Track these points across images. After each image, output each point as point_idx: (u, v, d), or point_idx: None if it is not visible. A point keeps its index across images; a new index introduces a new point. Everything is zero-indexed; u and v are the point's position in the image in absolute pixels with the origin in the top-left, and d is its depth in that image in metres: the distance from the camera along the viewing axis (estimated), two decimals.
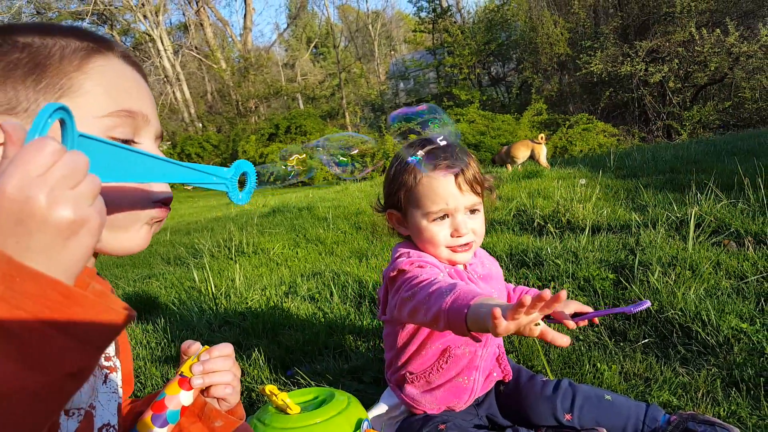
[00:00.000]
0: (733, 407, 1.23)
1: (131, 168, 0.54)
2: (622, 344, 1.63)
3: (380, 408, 1.26)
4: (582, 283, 2.07)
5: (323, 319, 2.19)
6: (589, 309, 1.21)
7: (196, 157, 17.66)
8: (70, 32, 0.65)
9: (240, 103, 21.82)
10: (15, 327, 0.41)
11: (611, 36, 13.79)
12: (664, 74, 12.70)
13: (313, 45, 32.36)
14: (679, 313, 1.69)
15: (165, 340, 2.20)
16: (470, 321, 0.81)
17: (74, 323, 0.44)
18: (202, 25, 23.80)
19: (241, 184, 0.67)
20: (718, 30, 11.97)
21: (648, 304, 1.12)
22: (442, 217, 1.13)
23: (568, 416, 1.15)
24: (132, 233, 0.67)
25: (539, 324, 0.76)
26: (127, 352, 0.80)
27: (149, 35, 21.98)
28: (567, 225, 3.18)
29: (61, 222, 0.44)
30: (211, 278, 2.86)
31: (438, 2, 19.61)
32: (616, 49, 13.35)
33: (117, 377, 0.73)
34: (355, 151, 1.04)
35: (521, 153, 7.16)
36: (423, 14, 20.15)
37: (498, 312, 0.70)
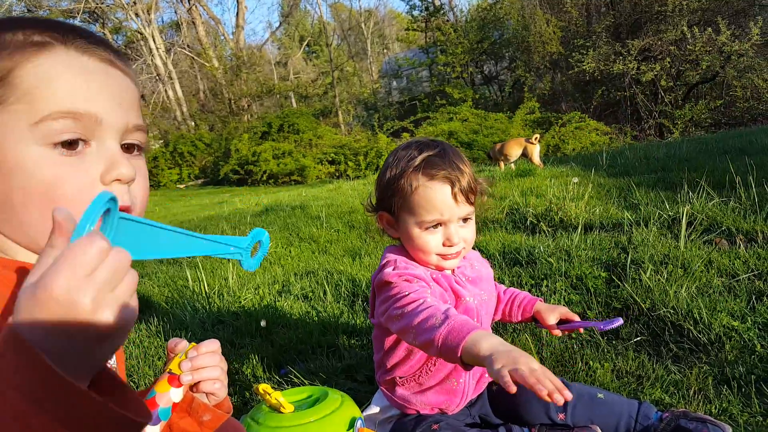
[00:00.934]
0: (724, 405, 1.24)
1: (160, 244, 0.55)
2: (614, 342, 1.64)
3: (373, 409, 1.26)
4: (575, 281, 2.08)
5: (316, 318, 2.18)
6: (575, 316, 1.24)
7: (188, 156, 17.55)
8: (20, 25, 0.60)
9: (232, 101, 21.69)
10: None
11: (603, 35, 13.86)
12: (656, 73, 12.78)
13: (305, 43, 32.25)
14: (671, 311, 1.70)
15: (158, 339, 2.19)
16: (466, 358, 0.86)
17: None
18: (194, 23, 23.63)
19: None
20: (709, 29, 12.07)
21: (620, 322, 1.14)
22: (435, 226, 1.13)
23: (561, 416, 1.16)
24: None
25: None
26: (121, 353, 0.79)
27: (141, 33, 21.80)
28: (560, 223, 3.19)
29: (101, 327, 0.43)
30: (204, 277, 2.85)
31: (431, 1, 19.61)
32: (608, 48, 13.42)
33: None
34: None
35: (514, 151, 7.18)
36: (416, 12, 20.15)
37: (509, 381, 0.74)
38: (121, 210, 0.66)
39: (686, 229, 2.42)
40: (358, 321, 2.08)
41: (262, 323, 1.98)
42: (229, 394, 1.63)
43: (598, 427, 1.09)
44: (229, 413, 0.84)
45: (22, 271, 0.60)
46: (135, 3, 21.04)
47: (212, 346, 0.82)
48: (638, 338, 1.63)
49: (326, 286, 2.53)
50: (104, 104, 0.62)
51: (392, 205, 1.16)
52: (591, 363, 1.49)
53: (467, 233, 1.16)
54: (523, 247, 2.58)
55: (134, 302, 0.47)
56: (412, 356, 1.18)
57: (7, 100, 0.57)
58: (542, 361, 1.54)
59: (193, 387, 0.81)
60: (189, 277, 2.95)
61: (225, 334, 2.14)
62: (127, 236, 0.50)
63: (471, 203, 1.13)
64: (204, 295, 2.70)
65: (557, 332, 1.23)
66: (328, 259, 3.21)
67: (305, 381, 1.63)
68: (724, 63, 12.33)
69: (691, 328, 1.59)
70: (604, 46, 13.51)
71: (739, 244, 2.27)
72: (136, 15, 21.26)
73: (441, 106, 16.11)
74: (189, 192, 14.57)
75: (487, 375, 1.26)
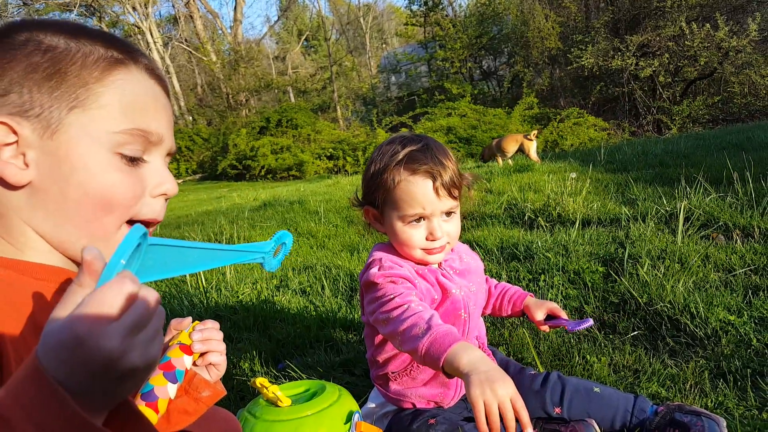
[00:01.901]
0: (720, 398, 1.24)
1: (187, 260, 0.57)
2: (611, 337, 1.65)
3: (370, 405, 1.27)
4: (572, 276, 2.08)
5: (314, 313, 2.18)
6: (561, 312, 1.24)
7: (186, 150, 17.49)
8: (98, 38, 0.65)
9: (230, 96, 21.61)
10: None
11: (602, 30, 13.83)
12: (654, 69, 12.77)
13: (304, 38, 32.12)
14: (668, 305, 1.70)
15: None
16: (447, 369, 0.90)
17: None
18: (191, 17, 23.49)
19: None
20: (708, 25, 12.05)
21: (590, 323, 1.15)
22: (418, 220, 1.14)
23: (557, 409, 1.16)
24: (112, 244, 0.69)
25: None
26: None
27: (138, 27, 21.66)
28: (557, 218, 3.19)
29: (127, 369, 0.44)
30: (201, 272, 2.84)
31: None
32: (606, 44, 13.39)
33: None
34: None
35: (511, 147, 7.22)
36: (414, 7, 20.05)
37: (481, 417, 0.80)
38: (153, 223, 0.70)
39: (683, 225, 2.42)
40: (356, 316, 2.08)
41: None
42: (227, 388, 1.63)
43: (593, 421, 1.09)
44: (224, 393, 0.88)
45: (29, 270, 0.62)
46: None
47: (215, 324, 0.88)
48: (635, 332, 1.63)
49: (324, 281, 2.53)
50: (165, 126, 0.70)
51: (377, 200, 1.17)
52: (588, 357, 1.50)
53: (451, 227, 1.16)
54: (520, 242, 2.58)
55: (160, 340, 0.48)
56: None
57: (86, 105, 0.62)
58: (539, 355, 1.55)
59: (200, 358, 0.85)
60: None
61: (223, 328, 2.11)
62: (155, 259, 0.52)
63: (454, 197, 1.14)
64: (201, 290, 2.70)
65: (545, 328, 1.23)
66: (327, 254, 3.21)
67: (303, 375, 1.63)
68: (722, 59, 12.32)
69: (688, 322, 1.59)
70: (602, 41, 13.48)
71: (736, 239, 2.28)
72: (134, 9, 21.11)
73: (440, 102, 16.09)
74: (187, 187, 14.53)
75: None
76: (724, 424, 1.07)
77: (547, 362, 1.52)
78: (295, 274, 2.79)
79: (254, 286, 2.65)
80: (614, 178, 4.35)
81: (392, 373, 1.21)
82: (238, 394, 1.60)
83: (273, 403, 1.04)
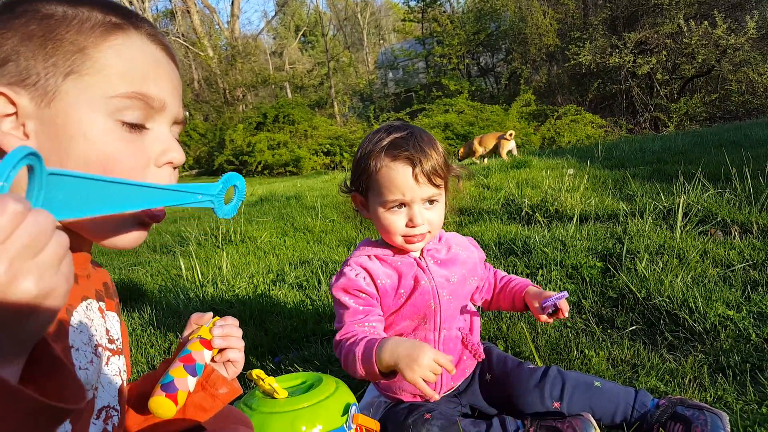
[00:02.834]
0: (719, 393, 1.24)
1: (109, 198, 0.51)
2: (609, 331, 1.64)
3: (366, 399, 1.26)
4: (570, 270, 2.07)
5: (311, 307, 2.17)
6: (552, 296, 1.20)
7: (182, 146, 17.40)
8: (97, 4, 0.62)
9: (227, 91, 21.51)
10: None
11: (600, 27, 13.82)
12: (652, 66, 12.78)
13: (301, 33, 32.00)
14: (667, 300, 1.69)
15: (150, 327, 2.17)
16: (384, 372, 0.99)
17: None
18: (188, 11, 23.34)
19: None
20: (706, 22, 12.06)
21: (564, 294, 1.15)
22: (399, 207, 1.14)
23: (557, 404, 1.14)
24: (121, 235, 0.65)
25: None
26: (126, 339, 0.80)
27: None
28: (555, 214, 3.19)
29: (21, 298, 0.38)
30: (197, 266, 2.82)
31: None
32: (604, 41, 13.39)
33: (119, 361, 0.72)
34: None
35: (490, 143, 7.35)
36: (412, 3, 19.99)
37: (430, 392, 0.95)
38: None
39: (682, 220, 2.42)
40: None
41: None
42: None
43: (590, 415, 1.08)
44: (241, 391, 0.86)
45: None
46: None
47: (235, 321, 0.87)
48: (633, 327, 1.63)
49: (321, 275, 2.52)
50: (169, 92, 0.66)
51: (362, 185, 1.18)
52: (586, 351, 1.49)
53: (433, 216, 1.16)
54: (518, 238, 2.57)
55: (66, 268, 0.41)
56: None
57: (82, 70, 0.60)
58: (537, 349, 1.54)
59: (219, 354, 0.84)
60: (182, 265, 2.92)
61: None
62: (63, 193, 0.45)
63: (435, 185, 1.13)
64: (198, 283, 2.68)
65: (544, 318, 1.21)
66: (323, 248, 3.19)
67: (299, 368, 1.62)
68: (720, 57, 12.34)
69: (687, 317, 1.58)
70: (600, 38, 13.48)
71: (734, 235, 2.27)
72: (130, 3, 20.96)
73: (437, 98, 16.08)
74: (183, 182, 14.47)
75: (465, 357, 1.25)
76: (727, 419, 1.05)
77: (545, 356, 1.51)
78: (291, 269, 2.77)
79: (251, 280, 2.63)
80: (612, 175, 4.35)
81: None
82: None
83: (269, 395, 1.03)
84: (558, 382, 1.17)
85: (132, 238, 0.66)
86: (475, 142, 7.63)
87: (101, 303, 0.70)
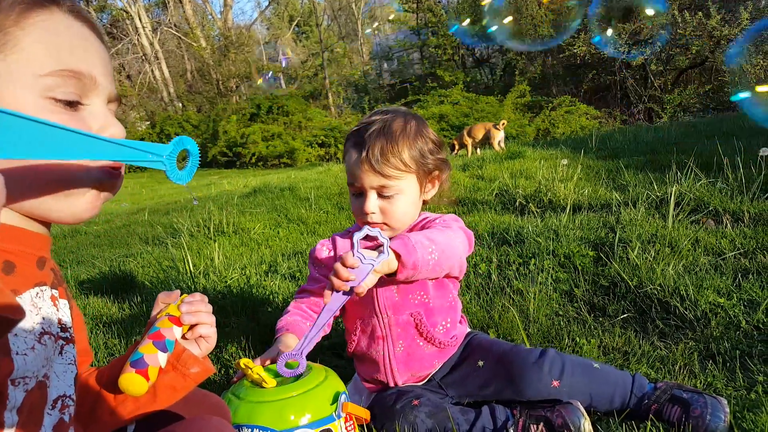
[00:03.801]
0: (709, 379, 1.24)
1: (52, 144, 0.50)
2: (601, 319, 1.64)
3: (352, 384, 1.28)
4: (562, 259, 2.07)
5: None
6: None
7: (175, 137, 17.25)
8: None
9: (220, 82, 21.30)
10: None
11: (594, 18, 13.76)
12: (646, 57, 12.76)
13: (295, 23, 31.68)
14: (658, 288, 1.70)
15: (141, 318, 2.15)
16: None
17: None
18: (181, 1, 23.03)
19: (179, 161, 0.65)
20: (700, 13, 12.04)
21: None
22: (359, 194, 1.18)
23: (556, 382, 1.13)
24: (75, 198, 0.64)
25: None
26: (80, 323, 0.78)
27: (127, 12, 21.23)
28: (549, 204, 3.18)
29: None
30: (189, 257, 2.80)
31: None
32: (599, 32, 13.34)
33: (74, 349, 0.70)
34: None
35: (480, 134, 7.32)
36: None
37: None
38: (114, 170, 0.65)
39: (674, 209, 2.42)
40: None
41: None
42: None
43: (579, 403, 1.07)
44: (214, 370, 0.86)
45: None
46: None
47: (204, 297, 0.87)
48: (625, 315, 1.63)
49: None
50: (99, 68, 0.65)
51: None
52: (578, 339, 1.49)
53: (390, 207, 1.15)
54: (511, 228, 2.57)
55: None
56: (349, 331, 1.28)
57: (6, 49, 0.58)
58: (529, 338, 1.54)
59: (189, 331, 0.83)
60: (174, 257, 2.90)
61: None
62: (6, 132, 0.45)
63: (384, 175, 1.12)
64: (189, 275, 2.66)
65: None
66: (317, 239, 3.17)
67: None
68: (714, 48, 12.33)
69: (678, 304, 1.59)
70: (595, 29, 13.43)
71: (726, 224, 2.28)
72: None
73: (432, 89, 15.99)
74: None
75: (420, 342, 1.22)
76: (726, 403, 1.05)
77: (536, 344, 1.51)
78: (284, 260, 2.76)
79: (243, 272, 2.62)
80: (605, 165, 4.35)
81: (351, 353, 1.30)
82: (225, 378, 1.58)
83: (258, 384, 1.02)
84: (557, 361, 1.15)
85: (87, 202, 0.65)
86: (464, 134, 7.60)
87: (54, 291, 0.69)
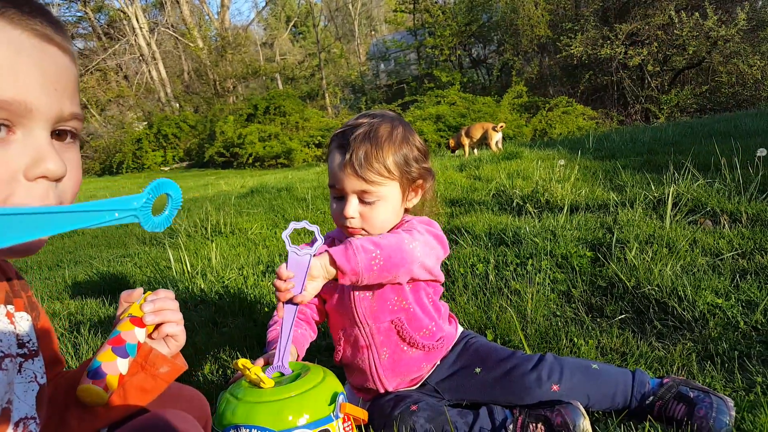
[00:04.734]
0: (708, 380, 1.24)
1: (8, 229, 0.45)
2: (599, 320, 1.64)
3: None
4: (560, 260, 2.07)
5: None
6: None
7: (172, 138, 17.22)
8: None
9: (217, 82, 21.27)
10: None
11: (591, 19, 13.80)
12: (643, 57, 12.80)
13: (292, 24, 31.67)
14: (656, 288, 1.70)
15: None
16: None
17: None
18: (178, 2, 22.99)
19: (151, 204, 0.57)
20: (697, 14, 12.08)
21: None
22: (340, 198, 1.16)
23: (555, 387, 1.12)
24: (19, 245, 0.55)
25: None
26: (48, 330, 0.74)
27: (124, 12, 21.18)
28: (546, 205, 3.19)
29: None
30: (186, 257, 2.79)
31: None
32: (596, 32, 13.37)
33: (35, 364, 0.65)
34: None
35: (478, 134, 7.34)
36: None
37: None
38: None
39: (671, 210, 2.43)
40: None
41: None
42: (210, 373, 1.60)
43: (579, 403, 1.07)
44: (185, 368, 0.82)
45: None
46: None
47: (169, 293, 0.81)
48: (623, 315, 1.63)
49: None
50: (36, 89, 0.54)
51: None
52: (575, 340, 1.49)
53: (369, 213, 1.14)
54: (509, 228, 2.57)
55: None
56: (334, 341, 1.27)
57: None
58: (527, 338, 1.54)
59: (155, 330, 0.80)
60: (171, 257, 2.89)
61: (207, 313, 2.11)
62: None
63: (367, 180, 1.11)
64: (187, 275, 2.65)
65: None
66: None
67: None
68: (711, 48, 12.38)
69: (676, 305, 1.59)
70: (592, 30, 13.46)
71: (723, 224, 2.28)
72: None
73: (429, 90, 16.01)
74: (173, 175, 14.35)
75: (404, 347, 1.21)
76: (732, 403, 1.05)
77: (534, 345, 1.51)
78: (281, 260, 2.75)
79: (240, 272, 2.61)
80: (602, 165, 4.36)
81: (339, 362, 1.29)
82: (223, 378, 1.57)
83: (255, 384, 1.01)
84: (556, 366, 1.15)
85: (30, 245, 0.58)
86: (462, 134, 7.61)
87: (9, 307, 0.64)
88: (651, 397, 1.09)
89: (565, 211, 2.76)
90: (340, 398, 1.02)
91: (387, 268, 1.03)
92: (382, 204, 1.14)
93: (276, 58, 26.74)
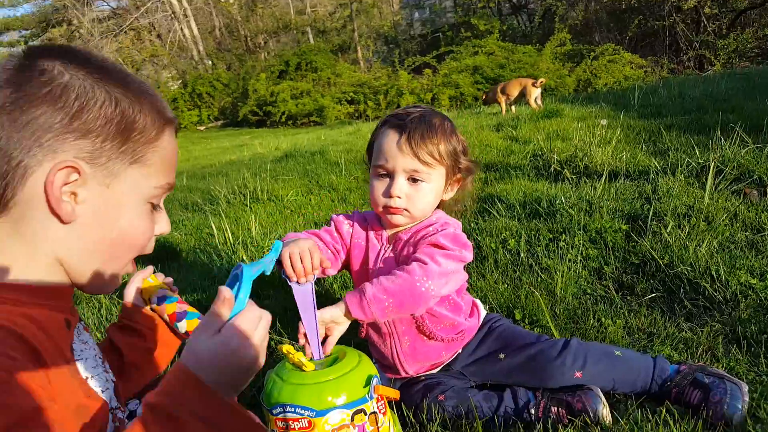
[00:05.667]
0: (732, 363, 1.26)
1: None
2: (629, 298, 1.66)
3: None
4: (593, 235, 2.07)
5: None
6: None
7: (207, 97, 17.40)
8: (146, 100, 0.71)
9: (249, 38, 21.13)
10: None
11: None
12: None
13: None
14: (689, 268, 1.69)
15: (189, 287, 2.31)
16: None
17: None
18: None
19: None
20: None
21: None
22: (384, 176, 1.19)
23: (578, 373, 1.17)
24: (108, 282, 0.75)
25: None
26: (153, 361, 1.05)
27: None
28: (584, 170, 3.13)
29: (256, 369, 0.68)
30: (228, 227, 2.93)
31: None
32: None
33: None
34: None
35: (515, 90, 6.99)
36: None
37: None
38: None
39: (715, 179, 2.35)
40: None
41: None
42: None
43: (599, 389, 1.12)
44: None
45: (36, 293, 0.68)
46: None
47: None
48: (653, 294, 1.64)
49: None
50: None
51: (370, 157, 1.27)
52: (603, 320, 1.52)
53: (414, 193, 1.18)
54: (543, 197, 2.56)
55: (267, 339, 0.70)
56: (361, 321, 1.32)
57: (143, 161, 0.71)
58: (555, 318, 1.58)
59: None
60: (213, 226, 3.04)
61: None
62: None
63: (422, 161, 1.15)
64: (229, 244, 2.79)
65: None
66: (348, 208, 3.25)
67: None
68: None
69: (707, 285, 1.58)
70: None
71: None
72: None
73: (466, 39, 15.38)
74: (209, 134, 14.62)
75: (425, 339, 1.26)
76: (746, 389, 1.08)
77: (562, 324, 1.55)
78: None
79: None
80: (647, 125, 4.19)
81: (364, 337, 1.33)
82: (270, 357, 1.69)
83: (298, 367, 1.11)
84: (580, 353, 1.19)
85: (114, 287, 0.78)
86: (498, 91, 7.31)
87: (80, 323, 0.78)
88: (668, 384, 1.14)
89: (603, 179, 2.70)
90: (374, 381, 1.11)
91: (400, 311, 1.12)
92: (428, 187, 1.19)
93: (306, 10, 26.14)
